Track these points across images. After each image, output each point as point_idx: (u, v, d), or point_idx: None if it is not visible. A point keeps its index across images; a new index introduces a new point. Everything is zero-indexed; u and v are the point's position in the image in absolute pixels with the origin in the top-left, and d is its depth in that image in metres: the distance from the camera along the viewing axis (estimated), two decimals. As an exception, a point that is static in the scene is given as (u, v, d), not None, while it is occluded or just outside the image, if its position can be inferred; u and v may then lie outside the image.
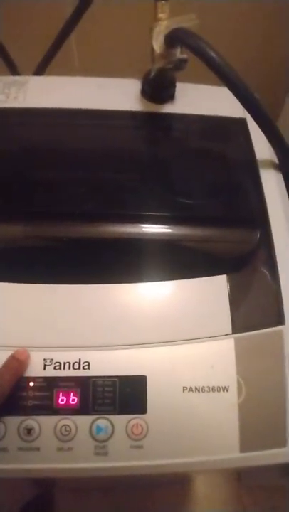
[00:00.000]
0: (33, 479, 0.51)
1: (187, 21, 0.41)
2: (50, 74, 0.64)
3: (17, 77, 0.50)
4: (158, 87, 0.46)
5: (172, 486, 0.83)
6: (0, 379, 0.31)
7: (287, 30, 0.76)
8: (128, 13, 0.71)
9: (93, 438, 0.32)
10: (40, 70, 0.68)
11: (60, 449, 0.32)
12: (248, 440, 0.33)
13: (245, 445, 0.33)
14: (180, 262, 0.37)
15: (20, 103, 0.46)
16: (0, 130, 0.46)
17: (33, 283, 0.35)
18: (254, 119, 0.38)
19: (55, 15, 0.70)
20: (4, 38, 0.70)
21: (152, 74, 0.43)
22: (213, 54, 0.34)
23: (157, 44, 0.40)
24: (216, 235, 0.38)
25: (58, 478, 0.33)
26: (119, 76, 0.51)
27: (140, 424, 0.32)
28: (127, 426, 0.32)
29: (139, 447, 0.32)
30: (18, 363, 0.32)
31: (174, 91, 0.47)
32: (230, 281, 0.36)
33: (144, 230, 0.38)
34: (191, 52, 0.37)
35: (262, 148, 0.43)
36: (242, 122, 0.45)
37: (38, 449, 0.32)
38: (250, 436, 0.33)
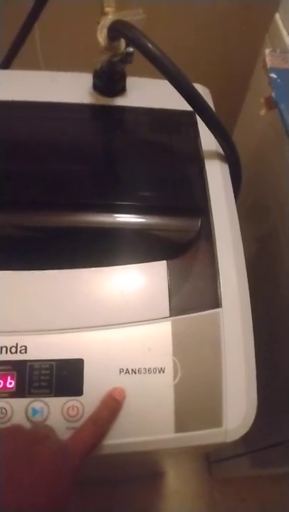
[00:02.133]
0: None
1: (133, 15, 0.42)
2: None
3: (-29, 71, 0.51)
4: (108, 80, 0.46)
5: (141, 481, 0.84)
6: (100, 419, 0.32)
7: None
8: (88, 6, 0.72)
9: (29, 420, 0.32)
10: (5, 65, 0.68)
11: (-5, 432, 0.32)
12: (183, 421, 0.33)
13: (180, 425, 0.33)
14: (122, 248, 0.38)
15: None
16: None
17: None
18: (194, 110, 0.39)
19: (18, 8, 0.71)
20: None
21: (98, 66, 0.44)
22: (148, 44, 0.35)
23: (101, 37, 0.41)
24: (158, 222, 0.39)
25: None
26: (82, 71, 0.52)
27: (76, 406, 0.33)
28: (62, 408, 0.32)
29: (75, 429, 0.32)
30: (115, 402, 0.32)
31: (124, 84, 0.48)
32: (170, 266, 0.37)
33: (86, 217, 0.38)
34: (129, 44, 0.37)
35: (209, 140, 0.44)
36: (190, 115, 0.46)
37: (-26, 431, 0.32)
38: (186, 416, 0.33)
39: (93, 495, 0.72)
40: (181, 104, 0.47)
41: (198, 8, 0.75)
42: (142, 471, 0.79)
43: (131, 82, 0.49)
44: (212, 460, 0.88)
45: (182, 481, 0.87)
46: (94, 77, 0.47)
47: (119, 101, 0.48)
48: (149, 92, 0.49)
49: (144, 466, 0.65)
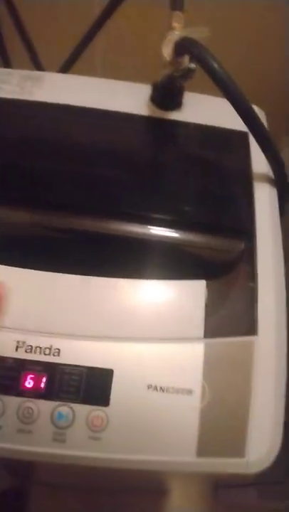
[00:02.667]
0: (6, 470, 0.51)
1: (199, 33, 0.42)
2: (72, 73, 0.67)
3: (34, 72, 0.52)
4: (166, 94, 0.47)
5: (147, 496, 0.83)
6: None
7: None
8: (154, 19, 0.73)
9: (53, 424, 0.32)
10: (64, 70, 0.70)
11: (20, 431, 0.32)
12: (206, 446, 0.33)
13: (202, 450, 0.33)
14: (162, 262, 0.37)
15: (33, 97, 0.48)
16: (11, 120, 0.48)
17: (18, 267, 0.36)
18: (250, 131, 0.39)
19: (82, 14, 0.73)
20: (32, 35, 0.73)
21: (160, 80, 0.44)
22: (213, 64, 0.35)
23: (166, 51, 0.41)
24: (200, 240, 0.39)
25: (16, 461, 0.33)
26: (139, 81, 0.52)
27: (101, 416, 0.33)
28: (88, 416, 0.33)
29: (98, 439, 0.32)
30: None
31: (181, 99, 0.48)
32: (208, 287, 0.36)
33: (129, 227, 0.38)
34: (196, 62, 0.38)
35: (260, 163, 0.44)
36: (244, 136, 0.45)
37: (0, 427, 0.32)
38: (209, 442, 0.33)
39: (91, 502, 0.72)
40: (235, 124, 0.47)
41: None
42: (146, 486, 0.78)
43: (188, 97, 0.49)
44: (220, 484, 0.86)
45: (186, 500, 0.86)
46: (152, 89, 0.48)
47: (175, 115, 0.48)
48: (204, 109, 0.49)
49: (151, 482, 0.64)
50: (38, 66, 0.76)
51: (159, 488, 0.86)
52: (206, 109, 0.49)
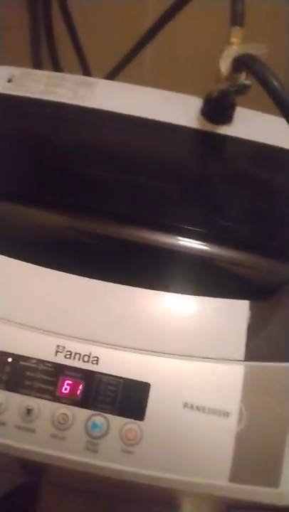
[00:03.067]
0: (22, 466, 0.52)
1: (256, 49, 0.42)
2: (120, 80, 0.67)
3: (87, 78, 0.53)
4: (218, 108, 0.46)
5: (157, 507, 0.82)
6: None
7: None
8: (205, 34, 0.73)
9: (87, 433, 0.32)
10: (112, 76, 0.71)
11: (54, 436, 0.32)
12: (240, 471, 0.32)
13: (236, 476, 0.32)
14: (206, 279, 0.37)
15: (86, 102, 0.48)
16: (62, 125, 0.49)
17: (63, 271, 0.36)
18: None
19: (133, 22, 0.74)
20: (82, 38, 0.74)
21: (214, 94, 0.44)
22: (274, 82, 0.35)
23: (224, 66, 0.41)
24: (248, 260, 0.38)
25: (45, 465, 0.33)
26: (185, 93, 0.52)
27: (135, 430, 0.32)
28: (122, 428, 0.32)
29: (130, 452, 0.32)
30: None
31: (232, 114, 0.47)
32: (252, 308, 0.35)
33: (178, 242, 0.38)
34: (255, 79, 0.37)
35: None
36: (295, 155, 0.45)
37: (33, 430, 0.32)
38: (243, 467, 0.32)
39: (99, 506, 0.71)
40: (285, 142, 0.47)
41: None
42: (159, 498, 0.77)
43: (239, 112, 0.48)
44: (231, 504, 0.85)
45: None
46: (204, 102, 0.48)
47: (225, 130, 0.47)
48: (254, 125, 0.48)
49: (166, 496, 0.64)
50: (86, 70, 0.77)
51: (170, 501, 0.85)
52: (256, 126, 0.48)
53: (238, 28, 0.43)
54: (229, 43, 0.44)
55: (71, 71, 0.60)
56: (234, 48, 0.43)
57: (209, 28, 0.73)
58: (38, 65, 0.82)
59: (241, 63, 0.39)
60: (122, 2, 0.74)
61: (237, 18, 0.43)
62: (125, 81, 0.55)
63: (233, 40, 0.43)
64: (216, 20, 0.71)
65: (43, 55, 0.82)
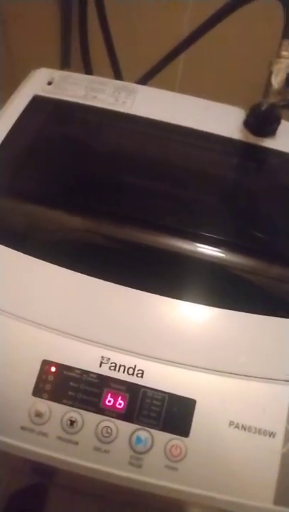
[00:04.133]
0: (32, 468, 0.51)
1: (309, 63, 0.41)
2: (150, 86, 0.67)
3: (127, 84, 0.53)
4: (263, 120, 0.46)
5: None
6: None
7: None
8: (237, 46, 0.73)
9: (131, 447, 0.32)
10: (143, 81, 0.70)
11: (97, 449, 0.32)
12: (285, 494, 0.31)
13: (281, 498, 0.31)
14: (254, 295, 0.37)
15: (127, 109, 0.48)
16: (102, 130, 0.49)
17: (110, 281, 0.36)
18: None
19: (169, 29, 0.73)
20: (116, 42, 0.74)
21: (263, 107, 0.43)
22: None
23: (276, 80, 0.41)
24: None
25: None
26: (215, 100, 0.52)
27: (180, 446, 0.32)
28: (166, 444, 0.32)
29: (174, 469, 0.32)
30: None
31: (277, 127, 0.47)
32: (300, 327, 0.35)
33: (221, 255, 0.38)
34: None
35: None
36: None
37: (76, 443, 0.32)
38: (288, 489, 0.32)
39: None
40: None
41: None
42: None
43: (283, 126, 0.48)
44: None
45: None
46: (249, 114, 0.47)
47: (268, 143, 0.47)
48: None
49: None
50: (118, 74, 0.76)
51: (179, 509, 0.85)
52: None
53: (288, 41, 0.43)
54: (279, 56, 0.43)
55: (101, 74, 0.60)
56: (286, 62, 0.42)
57: (242, 41, 0.73)
58: (67, 67, 0.82)
59: (296, 78, 0.38)
60: (158, 8, 0.73)
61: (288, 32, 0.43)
62: (156, 87, 0.54)
63: (284, 53, 0.43)
64: (250, 33, 0.71)
65: (72, 55, 0.81)
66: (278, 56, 0.43)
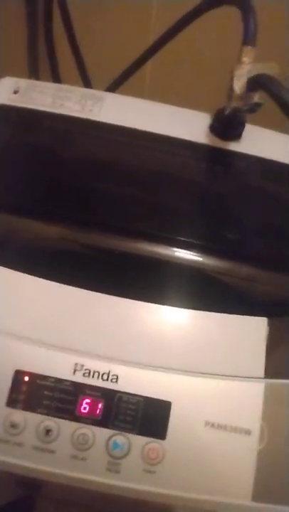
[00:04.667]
0: (18, 481, 0.50)
1: (269, 68, 0.42)
2: (119, 93, 0.68)
3: (94, 91, 0.53)
4: (228, 125, 0.47)
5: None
6: None
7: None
8: (205, 52, 0.75)
9: (108, 453, 0.32)
10: (112, 88, 0.71)
11: (74, 457, 0.32)
12: (262, 490, 0.32)
13: (259, 495, 0.32)
14: (223, 295, 0.37)
15: (94, 116, 0.48)
16: (70, 138, 0.49)
17: (79, 287, 0.36)
18: None
19: (135, 34, 0.74)
20: (83, 50, 0.74)
21: (226, 112, 0.44)
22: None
23: (238, 86, 0.42)
24: (265, 276, 0.38)
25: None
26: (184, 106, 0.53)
27: (157, 449, 0.32)
28: (143, 448, 0.32)
29: (152, 472, 0.32)
30: None
31: (242, 131, 0.48)
32: (270, 325, 0.36)
33: (195, 258, 0.38)
34: (271, 99, 0.38)
35: None
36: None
37: (53, 451, 0.32)
38: (265, 486, 0.32)
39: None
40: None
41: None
42: None
43: (247, 129, 0.49)
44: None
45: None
46: (214, 119, 0.48)
47: (234, 146, 0.48)
48: (263, 142, 0.49)
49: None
50: (87, 82, 0.77)
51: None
52: (264, 143, 0.49)
53: (249, 47, 0.44)
54: (240, 62, 0.44)
55: (69, 83, 0.60)
56: (246, 68, 0.43)
57: (209, 46, 0.75)
58: (35, 75, 0.82)
59: (256, 83, 0.40)
60: (124, 14, 0.74)
61: (249, 38, 0.44)
62: (125, 94, 0.55)
63: (245, 59, 0.44)
64: (217, 38, 0.73)
65: (40, 65, 0.82)
66: (239, 62, 0.44)
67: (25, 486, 0.60)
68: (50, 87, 0.52)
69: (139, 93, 0.72)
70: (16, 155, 0.46)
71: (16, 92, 0.51)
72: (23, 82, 0.52)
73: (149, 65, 0.72)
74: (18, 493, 0.66)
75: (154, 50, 0.63)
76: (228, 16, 0.49)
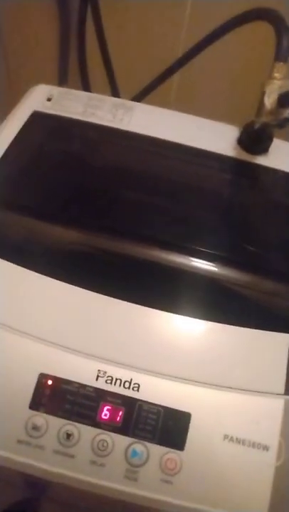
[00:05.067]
0: (26, 482, 0.51)
1: (299, 85, 0.43)
2: (146, 102, 0.68)
3: (124, 101, 0.54)
4: (256, 139, 0.47)
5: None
6: None
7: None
8: (232, 65, 0.75)
9: (127, 460, 0.32)
10: (139, 98, 0.72)
11: (93, 463, 0.32)
12: (278, 506, 0.32)
13: (275, 511, 0.32)
14: (246, 309, 0.37)
15: (124, 126, 0.49)
16: (101, 147, 0.50)
17: (106, 295, 0.36)
18: None
19: (165, 46, 0.75)
20: (114, 59, 0.75)
21: (256, 126, 0.45)
22: None
23: (269, 101, 0.42)
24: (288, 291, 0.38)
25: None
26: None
27: (175, 460, 0.32)
28: (162, 458, 0.32)
29: (169, 483, 0.32)
30: None
31: (269, 145, 0.48)
32: (293, 341, 0.36)
33: (219, 270, 0.39)
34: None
35: None
36: None
37: (72, 456, 0.32)
38: (281, 502, 0.32)
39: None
40: None
41: None
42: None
43: (275, 144, 0.49)
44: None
45: None
46: (242, 132, 0.49)
47: (261, 160, 0.48)
48: (290, 157, 0.49)
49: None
50: (115, 91, 0.78)
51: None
52: (292, 158, 0.49)
53: (281, 63, 0.45)
54: (272, 78, 0.45)
55: (98, 91, 0.61)
56: (278, 84, 0.44)
57: (237, 58, 0.75)
58: (65, 83, 0.83)
59: (288, 99, 0.40)
60: (154, 25, 0.75)
61: (282, 54, 0.44)
62: (152, 104, 0.56)
63: (276, 75, 0.45)
64: (245, 52, 0.73)
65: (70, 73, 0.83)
66: (271, 77, 0.45)
67: (32, 486, 0.61)
68: (82, 95, 0.53)
69: (166, 103, 0.73)
70: (47, 161, 0.47)
71: (49, 100, 0.52)
72: (56, 90, 0.54)
73: (176, 75, 0.72)
74: (24, 493, 0.67)
75: (183, 61, 0.64)
76: (258, 29, 0.49)
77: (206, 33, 0.57)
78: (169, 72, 0.68)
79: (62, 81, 0.84)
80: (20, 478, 0.46)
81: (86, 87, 0.79)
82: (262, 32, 0.51)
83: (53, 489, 0.52)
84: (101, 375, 0.34)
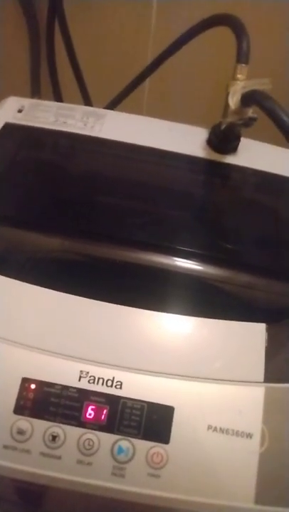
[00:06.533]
0: (20, 497, 0.50)
1: (261, 84, 0.44)
2: (118, 110, 0.70)
3: (96, 109, 0.55)
4: (224, 138, 0.49)
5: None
6: None
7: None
8: (201, 69, 0.77)
9: (113, 458, 0.32)
10: (111, 106, 0.73)
11: (80, 462, 0.32)
12: (265, 493, 0.32)
13: (261, 497, 0.32)
14: (223, 302, 0.38)
15: (96, 132, 0.50)
16: (73, 154, 0.50)
17: (84, 296, 0.37)
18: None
19: (134, 53, 0.77)
20: (85, 68, 0.77)
21: (222, 127, 0.46)
22: (284, 117, 0.37)
23: (233, 101, 0.44)
24: (263, 283, 0.40)
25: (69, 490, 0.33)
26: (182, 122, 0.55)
27: (161, 453, 0.33)
28: (148, 452, 0.33)
29: (156, 476, 0.32)
30: None
31: (237, 144, 0.50)
32: (269, 330, 0.37)
33: (194, 267, 0.40)
34: (265, 113, 0.40)
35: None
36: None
37: (59, 457, 0.32)
38: (268, 489, 0.33)
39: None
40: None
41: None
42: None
43: (243, 143, 0.51)
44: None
45: None
46: (211, 133, 0.50)
47: (230, 159, 0.50)
48: (258, 155, 0.51)
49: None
50: (87, 101, 0.79)
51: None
52: (259, 155, 0.51)
53: (243, 65, 0.46)
54: (235, 79, 0.46)
55: (70, 101, 0.62)
56: (240, 84, 0.45)
57: (205, 63, 0.77)
58: (37, 94, 0.84)
59: (250, 99, 0.41)
60: (122, 33, 0.77)
61: (243, 56, 0.46)
62: (124, 111, 0.57)
63: (239, 76, 0.46)
64: (213, 56, 0.76)
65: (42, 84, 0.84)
66: (234, 79, 0.46)
67: (27, 501, 0.60)
68: (52, 105, 0.54)
69: (138, 109, 0.74)
70: (21, 170, 0.47)
71: (20, 111, 0.53)
72: (26, 102, 0.55)
73: (147, 82, 0.74)
74: (20, 509, 0.66)
75: (152, 68, 0.66)
76: (223, 33, 0.51)
77: (173, 38, 0.59)
78: (140, 79, 0.69)
79: (34, 93, 0.85)
80: (14, 494, 0.46)
81: (58, 98, 0.80)
82: (228, 35, 0.54)
83: (49, 503, 0.51)
84: (83, 375, 0.34)
